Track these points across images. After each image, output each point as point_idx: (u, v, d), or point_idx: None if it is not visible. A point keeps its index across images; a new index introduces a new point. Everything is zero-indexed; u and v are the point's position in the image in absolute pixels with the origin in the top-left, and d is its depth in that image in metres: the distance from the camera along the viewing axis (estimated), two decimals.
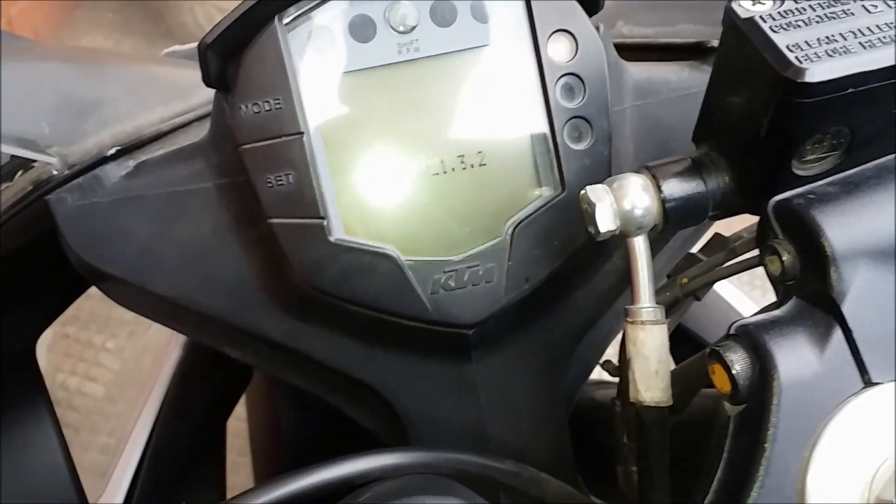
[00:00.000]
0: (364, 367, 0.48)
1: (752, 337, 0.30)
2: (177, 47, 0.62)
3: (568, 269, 0.46)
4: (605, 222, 0.36)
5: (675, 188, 0.36)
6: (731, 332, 0.31)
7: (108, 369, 1.67)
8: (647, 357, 0.37)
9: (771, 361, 0.29)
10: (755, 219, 0.36)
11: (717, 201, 0.37)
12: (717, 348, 0.30)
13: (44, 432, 0.62)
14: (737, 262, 0.40)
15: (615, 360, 0.53)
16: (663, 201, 0.36)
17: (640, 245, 0.37)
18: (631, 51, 0.51)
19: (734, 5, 0.33)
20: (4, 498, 0.58)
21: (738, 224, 0.42)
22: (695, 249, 0.48)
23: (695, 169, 0.37)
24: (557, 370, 0.50)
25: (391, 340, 0.48)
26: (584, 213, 0.38)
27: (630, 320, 0.37)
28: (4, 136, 0.43)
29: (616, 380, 0.54)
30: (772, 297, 0.34)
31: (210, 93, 0.57)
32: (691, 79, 0.49)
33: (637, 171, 0.38)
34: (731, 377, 0.30)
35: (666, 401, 0.37)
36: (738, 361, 0.30)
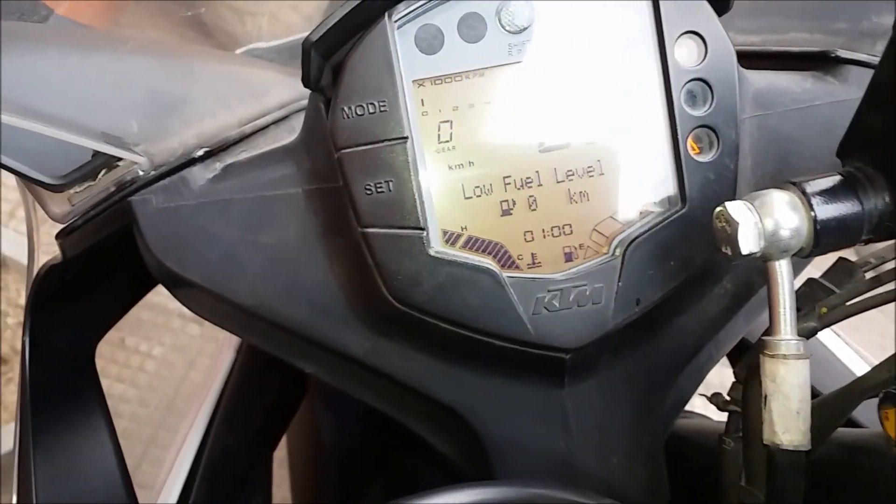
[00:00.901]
0: (448, 390, 0.45)
1: None
2: (259, 44, 0.60)
3: (679, 292, 0.42)
4: (748, 243, 0.33)
5: (829, 207, 0.33)
6: None
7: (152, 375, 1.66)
8: (787, 395, 0.33)
9: None
10: None
11: (872, 224, 0.33)
12: None
13: (99, 438, 0.61)
14: (889, 291, 0.36)
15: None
16: (814, 221, 0.33)
17: (782, 269, 0.34)
18: (741, 58, 0.48)
19: None
20: (58, 500, 0.57)
21: None
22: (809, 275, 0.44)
23: (849, 186, 0.33)
24: (655, 400, 0.46)
25: (480, 362, 0.45)
26: (717, 232, 0.35)
27: (770, 353, 0.34)
28: (90, 131, 0.40)
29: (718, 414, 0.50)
30: None
31: (285, 95, 0.56)
32: (815, 90, 0.45)
33: (780, 187, 0.34)
34: None
35: (806, 444, 0.34)
36: None
